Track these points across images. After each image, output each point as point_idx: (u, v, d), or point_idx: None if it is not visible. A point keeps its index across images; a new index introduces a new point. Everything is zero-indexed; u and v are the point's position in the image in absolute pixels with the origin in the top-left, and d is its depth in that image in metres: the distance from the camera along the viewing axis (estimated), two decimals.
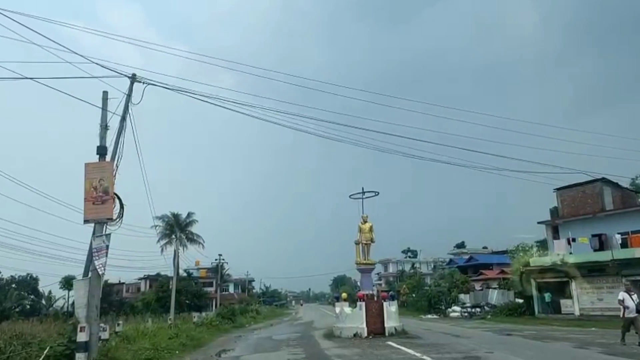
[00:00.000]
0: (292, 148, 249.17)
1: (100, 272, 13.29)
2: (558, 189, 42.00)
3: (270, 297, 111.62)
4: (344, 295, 23.35)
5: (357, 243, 23.03)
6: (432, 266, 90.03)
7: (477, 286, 56.87)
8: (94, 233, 13.61)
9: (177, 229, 60.22)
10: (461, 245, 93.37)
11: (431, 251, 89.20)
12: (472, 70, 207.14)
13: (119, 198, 14.05)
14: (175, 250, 51.38)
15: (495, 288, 53.62)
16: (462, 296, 52.17)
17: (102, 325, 17.17)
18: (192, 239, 65.29)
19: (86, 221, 13.58)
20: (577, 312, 35.57)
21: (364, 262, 22.69)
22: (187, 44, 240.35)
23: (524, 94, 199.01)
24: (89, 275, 13.51)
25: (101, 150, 13.78)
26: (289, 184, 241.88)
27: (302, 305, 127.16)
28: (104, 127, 13.92)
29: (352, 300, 22.51)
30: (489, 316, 39.80)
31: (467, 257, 74.10)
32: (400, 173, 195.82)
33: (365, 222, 23.30)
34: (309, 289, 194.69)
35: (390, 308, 21.20)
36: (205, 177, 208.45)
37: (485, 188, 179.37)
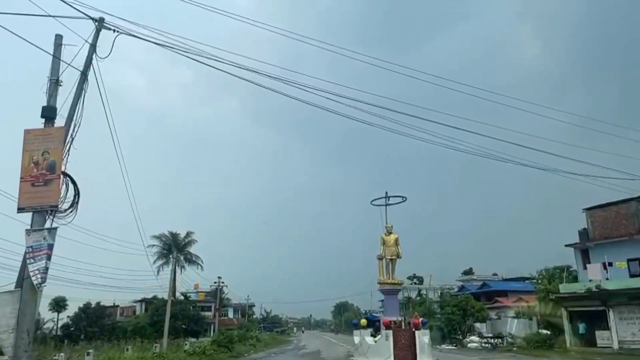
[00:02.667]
0: (292, 166, 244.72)
1: (35, 282, 9.05)
2: (588, 209, 37.89)
3: (271, 323, 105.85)
4: (363, 321, 18.94)
5: (380, 258, 18.74)
6: (439, 293, 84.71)
7: (493, 314, 52.08)
8: (31, 226, 9.44)
9: (174, 249, 55.95)
10: (469, 272, 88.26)
11: (437, 278, 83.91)
12: (472, 97, 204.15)
13: (72, 181, 9.94)
14: (171, 272, 46.83)
15: (513, 317, 48.94)
16: (477, 325, 47.36)
17: (56, 357, 12.82)
18: (191, 260, 60.92)
19: (20, 209, 9.45)
20: (615, 345, 31.03)
21: (389, 281, 18.37)
22: (190, 66, 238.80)
23: (524, 120, 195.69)
24: (23, 286, 9.25)
25: (48, 112, 9.75)
26: (291, 207, 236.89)
27: (303, 332, 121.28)
28: (55, 82, 9.94)
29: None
30: (515, 348, 35.07)
31: (478, 283, 69.23)
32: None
33: (389, 233, 19.06)
34: (310, 316, 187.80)
35: (424, 338, 16.81)
36: (205, 198, 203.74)
37: (493, 214, 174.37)
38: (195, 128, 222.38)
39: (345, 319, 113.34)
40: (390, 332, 16.24)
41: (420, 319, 17.98)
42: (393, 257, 18.66)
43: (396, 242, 18.89)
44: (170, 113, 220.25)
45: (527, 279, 65.09)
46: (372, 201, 19.77)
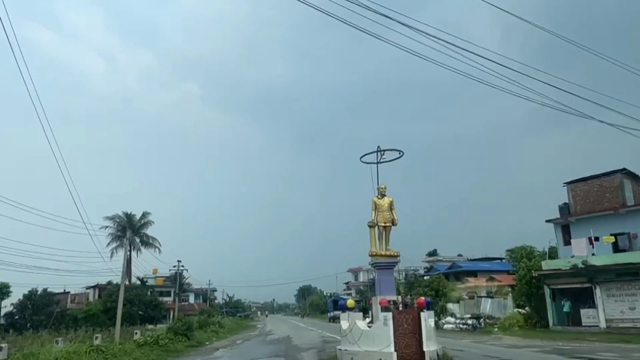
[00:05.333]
0: (260, 151, 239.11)
1: None
2: (569, 183, 35.58)
3: (234, 307, 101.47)
4: (351, 302, 15.28)
5: (371, 226, 15.01)
6: (404, 274, 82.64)
7: (464, 295, 49.85)
8: None
9: (129, 230, 50.87)
10: (433, 254, 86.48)
11: (402, 259, 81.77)
12: (436, 83, 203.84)
13: None
14: (125, 253, 41.92)
15: (484, 296, 46.76)
16: (450, 306, 44.82)
17: None
18: (147, 242, 56.08)
19: None
20: (602, 324, 28.82)
21: (384, 253, 14.71)
22: (151, 50, 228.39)
23: (484, 107, 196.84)
24: None
25: None
26: (253, 191, 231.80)
27: (267, 316, 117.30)
28: None
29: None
30: (496, 329, 32.42)
31: (444, 264, 67.16)
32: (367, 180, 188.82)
33: (382, 195, 15.33)
34: (273, 300, 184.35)
35: (429, 322, 13.30)
36: (162, 180, 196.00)
37: (453, 197, 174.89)
38: (154, 112, 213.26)
39: (310, 302, 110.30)
40: (390, 314, 12.64)
41: (425, 298, 14.47)
42: (387, 224, 14.98)
43: (390, 206, 15.22)
44: (129, 96, 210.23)
45: (494, 259, 63.51)
46: (361, 157, 15.95)
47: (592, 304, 29.68)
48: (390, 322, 12.52)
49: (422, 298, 14.37)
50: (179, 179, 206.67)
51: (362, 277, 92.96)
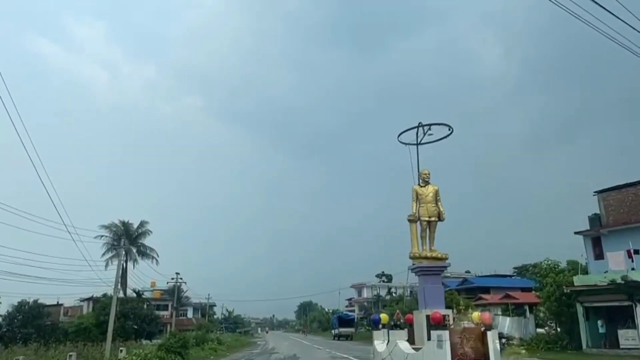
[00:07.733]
0: (260, 163, 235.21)
1: None
2: (600, 192, 32.32)
3: (233, 323, 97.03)
4: (384, 316, 11.92)
5: (412, 220, 11.70)
6: (409, 291, 78.76)
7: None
8: None
9: (126, 240, 47.36)
10: None
11: (405, 276, 77.73)
12: (440, 98, 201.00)
13: None
14: (119, 263, 38.38)
15: (501, 314, 43.18)
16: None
17: None
18: (145, 252, 52.54)
19: None
20: None
21: (429, 255, 11.37)
22: (154, 61, 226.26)
23: (486, 123, 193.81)
24: None
25: None
26: (253, 205, 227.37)
27: (267, 332, 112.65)
28: None
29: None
30: (523, 351, 28.74)
31: (453, 280, 63.34)
32: (368, 194, 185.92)
33: (426, 182, 12.04)
34: (273, 316, 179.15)
35: (496, 344, 9.98)
36: (162, 192, 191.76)
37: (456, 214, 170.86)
38: (157, 124, 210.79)
39: (312, 318, 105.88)
40: (445, 333, 9.32)
41: (489, 314, 11.13)
42: (432, 219, 11.67)
43: (436, 196, 11.91)
44: (132, 108, 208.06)
45: (504, 276, 59.99)
46: (399, 134, 12.71)
47: (631, 324, 26.32)
48: (447, 344, 9.18)
49: (487, 313, 11.03)
50: (180, 191, 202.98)
51: (366, 293, 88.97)
